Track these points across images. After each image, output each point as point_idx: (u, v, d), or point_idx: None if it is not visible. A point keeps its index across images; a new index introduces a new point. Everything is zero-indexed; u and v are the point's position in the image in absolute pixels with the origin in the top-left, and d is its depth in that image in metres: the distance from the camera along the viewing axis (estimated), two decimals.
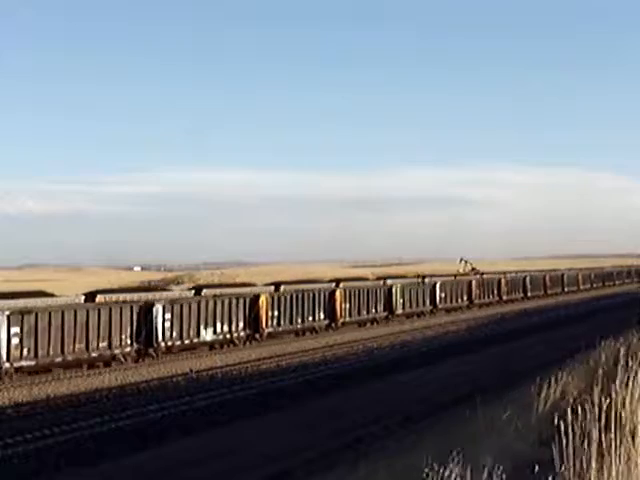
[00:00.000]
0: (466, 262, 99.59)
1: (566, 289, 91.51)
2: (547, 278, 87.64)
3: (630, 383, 10.37)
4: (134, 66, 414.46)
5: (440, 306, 63.21)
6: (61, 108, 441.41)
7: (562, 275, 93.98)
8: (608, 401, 9.04)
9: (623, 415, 8.93)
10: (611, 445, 7.58)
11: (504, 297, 75.63)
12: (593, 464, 7.34)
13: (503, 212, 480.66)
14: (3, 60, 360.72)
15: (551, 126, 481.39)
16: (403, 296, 58.14)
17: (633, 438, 7.84)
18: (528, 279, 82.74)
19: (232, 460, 19.21)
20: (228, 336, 41.30)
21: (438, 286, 63.61)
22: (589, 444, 7.56)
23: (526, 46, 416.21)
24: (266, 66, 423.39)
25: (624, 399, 9.49)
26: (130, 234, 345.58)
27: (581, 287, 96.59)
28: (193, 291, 43.29)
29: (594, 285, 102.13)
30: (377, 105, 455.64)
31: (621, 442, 7.74)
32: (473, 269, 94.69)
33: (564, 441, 7.90)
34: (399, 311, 57.42)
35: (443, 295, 64.26)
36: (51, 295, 35.33)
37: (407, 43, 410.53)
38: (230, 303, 41.73)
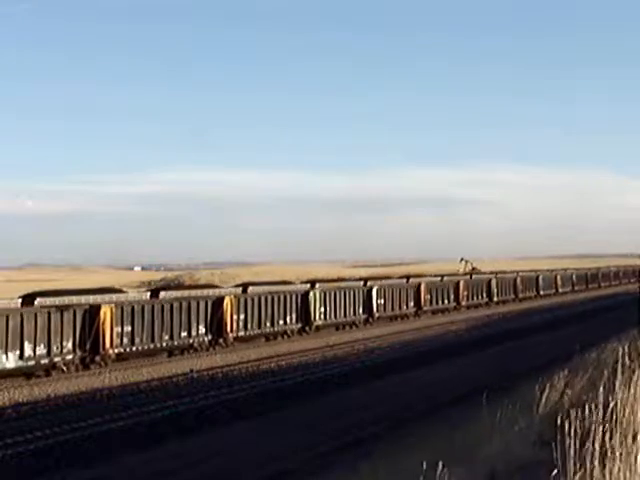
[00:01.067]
0: (466, 262, 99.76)
1: (560, 290, 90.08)
2: (540, 279, 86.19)
3: (631, 383, 10.37)
4: (134, 66, 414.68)
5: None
6: (61, 108, 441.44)
7: (555, 276, 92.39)
8: (609, 401, 9.04)
9: (624, 415, 8.93)
10: (612, 446, 7.57)
11: (494, 299, 73.55)
12: (595, 464, 7.33)
13: (503, 212, 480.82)
14: (3, 60, 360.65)
15: (551, 126, 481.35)
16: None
17: (634, 438, 7.84)
18: (519, 280, 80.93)
19: (232, 460, 19.20)
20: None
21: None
22: (591, 444, 7.56)
23: (526, 45, 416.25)
24: (266, 66, 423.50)
25: (625, 399, 9.48)
26: (130, 234, 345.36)
27: (575, 288, 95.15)
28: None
29: (589, 286, 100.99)
30: (377, 105, 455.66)
31: (622, 442, 7.74)
32: (473, 269, 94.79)
33: (565, 441, 7.89)
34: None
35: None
36: None
37: (407, 43, 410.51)
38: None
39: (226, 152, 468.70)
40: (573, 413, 8.21)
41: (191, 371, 33.02)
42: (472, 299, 69.50)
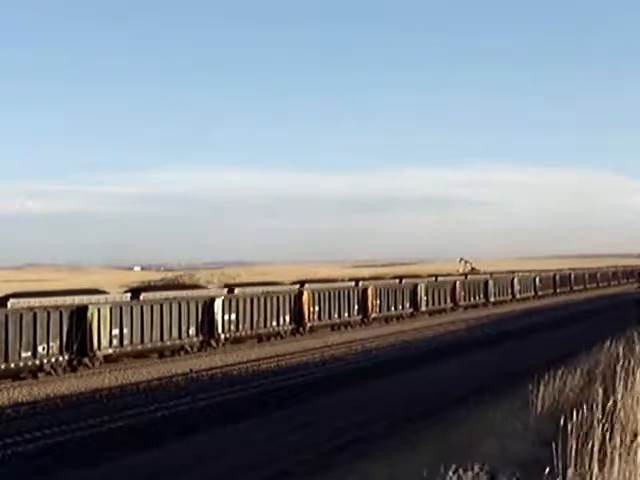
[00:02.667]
0: (466, 262, 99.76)
1: (558, 290, 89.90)
2: (538, 279, 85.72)
3: (630, 383, 10.39)
4: (135, 66, 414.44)
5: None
6: (61, 108, 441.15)
7: (554, 276, 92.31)
8: (608, 401, 9.06)
9: (623, 415, 8.94)
10: (612, 446, 7.59)
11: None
12: (594, 464, 7.34)
13: (503, 212, 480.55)
14: (3, 60, 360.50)
15: (551, 126, 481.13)
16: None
17: (634, 438, 7.85)
18: (516, 280, 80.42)
19: (232, 460, 19.21)
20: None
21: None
22: (590, 444, 7.57)
23: (526, 45, 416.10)
24: (266, 66, 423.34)
25: (624, 399, 9.50)
26: (130, 234, 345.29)
27: (574, 288, 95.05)
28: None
29: (587, 286, 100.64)
30: (377, 105, 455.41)
31: (622, 442, 7.75)
32: (472, 269, 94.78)
33: (564, 441, 7.91)
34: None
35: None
36: None
37: (406, 42, 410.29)
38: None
39: (226, 152, 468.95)
40: (572, 413, 8.23)
41: (191, 371, 33.04)
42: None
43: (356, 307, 52.66)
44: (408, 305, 59.13)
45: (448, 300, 65.35)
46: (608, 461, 7.33)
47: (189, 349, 38.91)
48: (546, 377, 13.30)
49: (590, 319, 55.05)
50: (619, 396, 9.57)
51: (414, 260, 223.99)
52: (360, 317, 53.21)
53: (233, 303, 42.06)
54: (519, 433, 11.04)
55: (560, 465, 7.54)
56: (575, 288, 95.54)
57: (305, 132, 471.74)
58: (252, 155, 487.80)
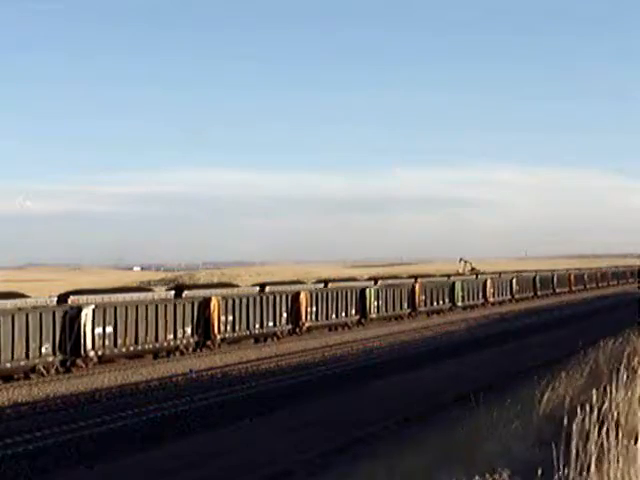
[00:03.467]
0: (466, 262, 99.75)
1: (557, 290, 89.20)
2: (514, 281, 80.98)
3: (629, 383, 10.37)
4: (134, 66, 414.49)
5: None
6: (61, 108, 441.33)
7: (551, 276, 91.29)
8: (608, 402, 9.04)
9: (623, 416, 8.93)
10: (610, 447, 7.57)
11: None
12: (593, 465, 7.33)
13: (503, 212, 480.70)
14: (3, 60, 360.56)
15: (551, 126, 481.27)
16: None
17: (636, 439, 7.83)
18: (515, 280, 79.76)
19: (232, 460, 19.20)
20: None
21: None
22: (590, 445, 7.56)
23: (526, 45, 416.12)
24: (266, 66, 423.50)
25: (624, 399, 9.48)
26: (130, 234, 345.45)
27: (573, 288, 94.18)
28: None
29: (587, 286, 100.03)
30: (377, 105, 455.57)
31: (622, 443, 7.73)
32: (472, 269, 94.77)
33: (565, 442, 7.89)
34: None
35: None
36: None
37: (407, 42, 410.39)
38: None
39: (226, 152, 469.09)
40: (572, 413, 8.21)
41: (190, 371, 33.04)
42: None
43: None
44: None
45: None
46: (606, 462, 7.31)
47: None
48: (547, 377, 13.29)
49: (590, 319, 55.07)
50: (619, 396, 9.55)
51: (414, 260, 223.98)
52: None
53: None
54: (520, 434, 11.01)
55: (559, 466, 7.53)
56: (574, 288, 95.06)
57: (305, 132, 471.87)
58: (252, 155, 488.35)
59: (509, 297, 77.61)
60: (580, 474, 7.35)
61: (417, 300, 60.07)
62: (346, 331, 50.06)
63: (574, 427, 7.93)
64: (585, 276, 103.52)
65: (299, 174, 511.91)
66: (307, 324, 47.13)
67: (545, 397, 12.10)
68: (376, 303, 54.67)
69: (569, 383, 12.87)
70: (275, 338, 44.53)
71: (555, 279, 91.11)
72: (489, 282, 74.42)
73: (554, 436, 8.39)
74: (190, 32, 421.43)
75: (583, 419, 8.28)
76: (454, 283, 67.40)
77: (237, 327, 41.84)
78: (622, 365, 11.33)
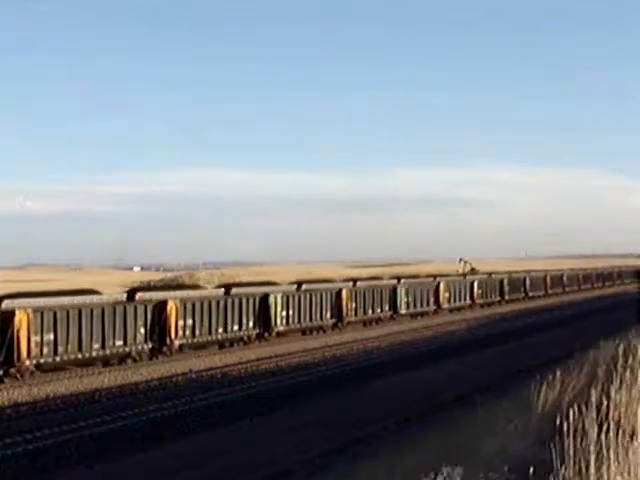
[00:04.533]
0: (465, 262, 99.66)
1: (550, 291, 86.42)
2: (505, 282, 77.84)
3: (629, 382, 10.38)
4: (134, 66, 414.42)
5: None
6: (61, 108, 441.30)
7: (547, 276, 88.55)
8: (607, 401, 9.05)
9: (622, 415, 8.94)
10: (610, 445, 7.58)
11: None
12: (592, 464, 7.34)
13: (503, 212, 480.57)
14: (3, 60, 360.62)
15: (551, 126, 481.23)
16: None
17: (632, 438, 7.85)
18: (506, 281, 76.50)
19: (232, 460, 19.21)
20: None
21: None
22: (588, 444, 7.56)
23: (526, 44, 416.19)
24: (266, 66, 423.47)
25: (622, 399, 9.49)
26: (130, 234, 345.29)
27: (566, 289, 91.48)
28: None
29: (581, 287, 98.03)
30: (377, 105, 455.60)
31: (620, 442, 7.74)
32: (472, 269, 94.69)
33: (564, 441, 7.90)
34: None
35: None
36: None
37: (407, 42, 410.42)
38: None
39: (226, 152, 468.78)
40: (571, 413, 8.22)
41: (190, 371, 33.05)
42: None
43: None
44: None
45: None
46: (605, 461, 7.32)
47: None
48: (547, 377, 13.30)
49: (591, 318, 55.05)
50: (618, 395, 9.56)
51: (414, 260, 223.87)
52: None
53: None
54: (520, 433, 11.02)
55: (559, 465, 7.54)
56: (567, 289, 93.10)
57: (305, 132, 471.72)
58: (252, 155, 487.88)
59: (498, 299, 74.28)
60: (579, 473, 7.37)
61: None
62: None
63: (573, 426, 7.94)
64: (580, 276, 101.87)
65: (299, 174, 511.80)
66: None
67: (545, 397, 12.11)
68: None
69: (569, 383, 12.88)
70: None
71: (549, 279, 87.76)
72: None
73: (554, 435, 8.41)
74: (190, 32, 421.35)
75: (583, 418, 8.29)
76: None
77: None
78: (622, 364, 11.35)
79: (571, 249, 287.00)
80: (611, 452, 7.37)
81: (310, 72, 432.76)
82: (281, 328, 44.95)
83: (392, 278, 63.07)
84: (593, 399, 8.69)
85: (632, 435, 8.05)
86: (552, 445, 7.79)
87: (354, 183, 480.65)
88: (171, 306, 37.36)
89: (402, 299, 57.38)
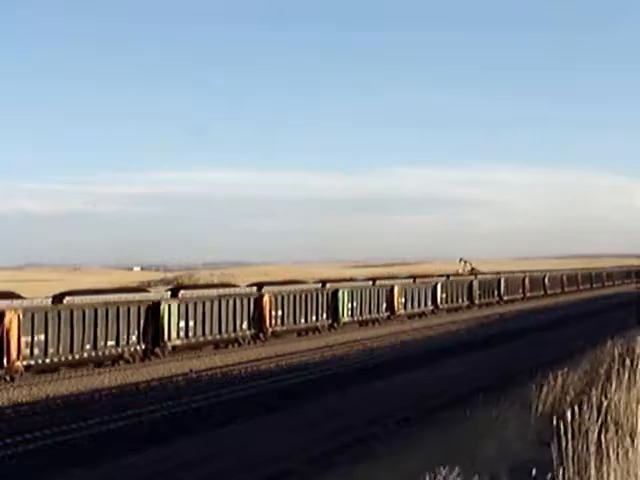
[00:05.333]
0: (465, 262, 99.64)
1: (529, 294, 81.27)
2: (501, 282, 75.27)
3: (629, 383, 10.39)
4: (134, 65, 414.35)
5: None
6: (61, 108, 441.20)
7: (525, 278, 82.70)
8: (607, 401, 9.05)
9: (621, 415, 8.94)
10: (610, 445, 7.59)
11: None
12: (592, 464, 7.35)
13: (503, 212, 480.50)
14: (3, 60, 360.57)
15: (551, 126, 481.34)
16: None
17: (632, 438, 7.85)
18: (476, 284, 70.77)
19: (232, 460, 19.22)
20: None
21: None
22: (588, 444, 7.57)
23: (526, 44, 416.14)
24: (266, 66, 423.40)
25: (622, 399, 9.50)
26: (130, 234, 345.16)
27: (548, 292, 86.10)
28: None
29: (580, 287, 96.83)
30: (377, 105, 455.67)
31: (620, 442, 7.75)
32: (472, 269, 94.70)
33: (563, 441, 7.91)
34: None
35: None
36: None
37: (406, 41, 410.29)
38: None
39: (226, 152, 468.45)
40: (570, 413, 8.23)
41: (190, 371, 33.08)
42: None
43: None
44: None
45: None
46: (605, 461, 7.33)
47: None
48: (546, 377, 13.31)
49: (591, 318, 55.04)
50: (617, 396, 9.57)
51: (414, 260, 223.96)
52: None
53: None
54: (519, 434, 11.04)
55: (559, 465, 7.55)
56: (567, 290, 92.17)
57: (305, 132, 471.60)
58: (252, 155, 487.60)
59: (467, 303, 67.94)
60: (579, 473, 7.37)
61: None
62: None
63: (573, 427, 7.95)
64: (579, 276, 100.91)
65: (299, 174, 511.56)
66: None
67: (546, 397, 12.13)
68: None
69: (569, 383, 12.90)
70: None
71: (527, 282, 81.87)
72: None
73: (554, 435, 8.41)
74: (190, 32, 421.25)
75: (582, 419, 8.30)
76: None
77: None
78: (621, 364, 11.36)
79: (571, 249, 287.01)
80: (611, 452, 7.38)
81: (310, 72, 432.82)
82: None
83: (335, 281, 57.28)
84: (593, 399, 8.70)
85: (632, 435, 8.05)
86: (552, 445, 7.80)
87: (354, 183, 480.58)
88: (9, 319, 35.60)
89: (345, 305, 50.89)
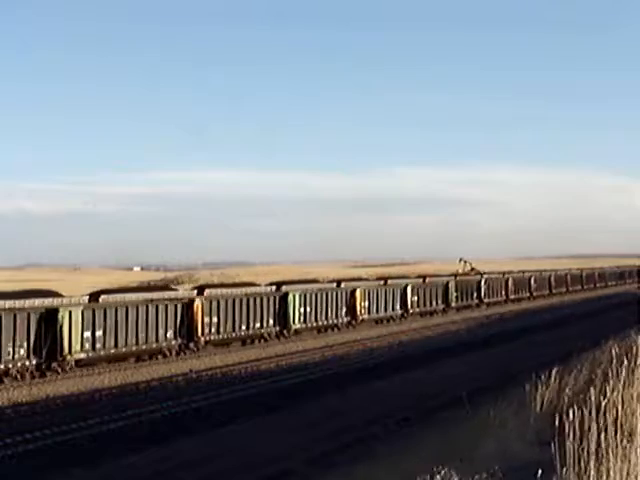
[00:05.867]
0: (465, 262, 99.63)
1: (512, 297, 76.67)
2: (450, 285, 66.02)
3: (628, 383, 10.40)
4: (134, 65, 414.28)
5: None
6: (61, 108, 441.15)
7: (509, 279, 77.55)
8: (606, 401, 9.06)
9: (620, 415, 8.95)
10: (609, 445, 7.59)
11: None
12: (592, 464, 7.35)
13: (503, 212, 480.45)
14: (3, 60, 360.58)
15: (551, 126, 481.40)
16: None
17: (631, 438, 7.86)
18: (452, 285, 65.28)
19: (232, 460, 19.23)
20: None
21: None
22: (588, 444, 7.58)
23: (526, 45, 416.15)
24: (266, 66, 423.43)
25: (621, 399, 9.50)
26: (130, 234, 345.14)
27: (534, 295, 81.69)
28: None
29: (584, 287, 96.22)
30: (377, 105, 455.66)
31: (620, 442, 7.75)
32: (472, 269, 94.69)
33: (563, 441, 7.92)
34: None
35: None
36: None
37: (406, 41, 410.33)
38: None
39: (226, 152, 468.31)
40: (570, 413, 8.24)
41: (190, 371, 33.09)
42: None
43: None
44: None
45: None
46: (605, 460, 7.34)
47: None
48: (546, 377, 13.32)
49: (592, 318, 55.09)
50: (616, 395, 9.58)
51: (414, 260, 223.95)
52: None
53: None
54: (519, 433, 11.05)
55: (558, 465, 7.56)
56: (571, 289, 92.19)
57: (305, 132, 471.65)
58: (252, 155, 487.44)
59: (442, 307, 62.74)
60: (579, 473, 7.38)
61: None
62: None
63: (572, 427, 7.95)
64: (579, 276, 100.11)
65: (299, 174, 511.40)
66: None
67: (545, 396, 12.14)
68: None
69: (569, 382, 12.90)
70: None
71: (511, 283, 76.54)
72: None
73: (553, 435, 8.42)
74: (190, 32, 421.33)
75: (582, 418, 8.31)
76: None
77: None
78: (620, 364, 11.37)
79: (571, 249, 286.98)
80: (610, 452, 7.38)
81: (310, 72, 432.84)
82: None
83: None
84: (592, 399, 8.71)
85: (631, 435, 8.06)
86: (552, 445, 7.81)
87: (354, 183, 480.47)
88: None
89: (297, 310, 46.37)
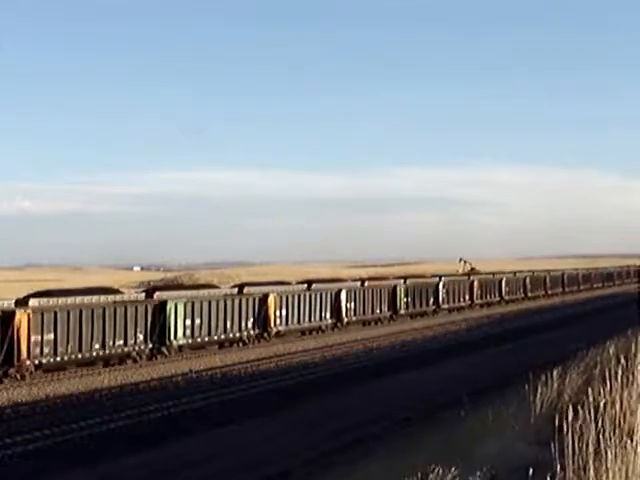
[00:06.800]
0: (465, 262, 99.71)
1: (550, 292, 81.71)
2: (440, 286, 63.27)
3: (628, 383, 10.40)
4: (134, 65, 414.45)
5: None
6: (60, 108, 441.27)
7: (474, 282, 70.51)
8: (605, 401, 9.07)
9: (619, 414, 8.96)
10: (609, 445, 7.60)
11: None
12: (591, 464, 7.36)
13: (503, 212, 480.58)
14: (3, 59, 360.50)
15: (551, 126, 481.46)
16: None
17: (631, 438, 7.87)
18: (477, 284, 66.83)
19: (232, 460, 19.23)
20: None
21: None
22: (587, 444, 7.59)
23: (526, 45, 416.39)
24: (266, 66, 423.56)
25: (620, 398, 9.51)
26: (130, 234, 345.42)
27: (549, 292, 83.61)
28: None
29: (581, 287, 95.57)
30: (377, 105, 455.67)
31: (619, 442, 7.76)
32: (472, 269, 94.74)
33: (563, 441, 7.92)
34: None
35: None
36: None
37: (406, 41, 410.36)
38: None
39: (226, 152, 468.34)
40: (570, 413, 8.24)
41: (190, 371, 33.08)
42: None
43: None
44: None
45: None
46: (604, 460, 7.34)
47: None
48: (545, 377, 13.32)
49: (592, 318, 55.10)
50: (616, 395, 9.58)
51: (414, 260, 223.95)
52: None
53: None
54: (519, 433, 11.05)
55: (558, 465, 7.56)
56: (567, 289, 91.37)
57: (305, 132, 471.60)
58: (252, 155, 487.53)
59: (390, 313, 55.83)
60: (578, 473, 7.39)
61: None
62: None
63: (572, 426, 7.96)
64: (579, 276, 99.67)
65: (299, 174, 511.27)
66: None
67: (545, 396, 12.13)
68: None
69: (568, 382, 12.90)
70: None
71: (476, 286, 69.42)
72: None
73: (553, 435, 8.43)
74: (190, 32, 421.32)
75: (581, 418, 8.31)
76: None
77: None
78: (620, 364, 11.37)
79: (571, 249, 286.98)
80: (609, 452, 7.39)
81: (310, 71, 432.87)
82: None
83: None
84: (591, 399, 8.71)
85: (630, 434, 8.07)
86: (551, 445, 7.81)
87: (354, 183, 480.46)
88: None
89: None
